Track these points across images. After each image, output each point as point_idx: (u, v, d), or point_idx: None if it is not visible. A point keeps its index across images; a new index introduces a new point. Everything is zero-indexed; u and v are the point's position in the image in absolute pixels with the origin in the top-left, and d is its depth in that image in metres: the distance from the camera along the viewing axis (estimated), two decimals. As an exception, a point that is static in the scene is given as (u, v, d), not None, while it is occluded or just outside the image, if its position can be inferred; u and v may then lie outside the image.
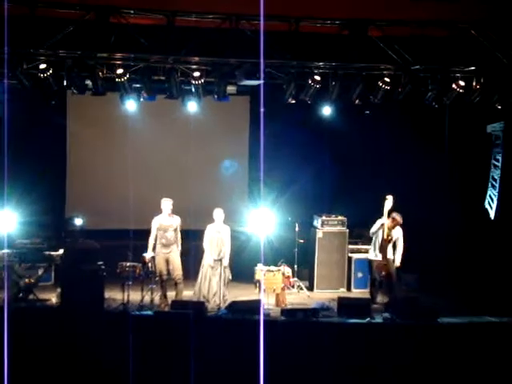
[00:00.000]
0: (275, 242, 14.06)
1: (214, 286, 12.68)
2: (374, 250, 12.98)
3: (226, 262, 12.75)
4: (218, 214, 12.92)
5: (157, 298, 12.56)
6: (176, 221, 12.87)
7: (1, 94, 12.42)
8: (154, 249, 12.74)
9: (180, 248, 12.90)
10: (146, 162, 15.23)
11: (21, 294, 12.14)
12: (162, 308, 12.33)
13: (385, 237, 12.83)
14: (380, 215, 12.97)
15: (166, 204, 12.83)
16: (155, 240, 12.78)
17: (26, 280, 12.32)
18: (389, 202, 12.80)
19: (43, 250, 12.91)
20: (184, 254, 12.97)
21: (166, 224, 12.80)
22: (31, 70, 12.13)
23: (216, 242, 12.84)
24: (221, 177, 15.37)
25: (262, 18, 10.41)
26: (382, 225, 12.80)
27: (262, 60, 11.40)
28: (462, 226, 14.19)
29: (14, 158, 12.24)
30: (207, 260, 12.82)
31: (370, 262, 13.16)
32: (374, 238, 13.03)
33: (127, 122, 14.31)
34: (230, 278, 12.89)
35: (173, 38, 12.04)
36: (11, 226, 12.43)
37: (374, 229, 12.97)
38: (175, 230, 12.83)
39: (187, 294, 13.05)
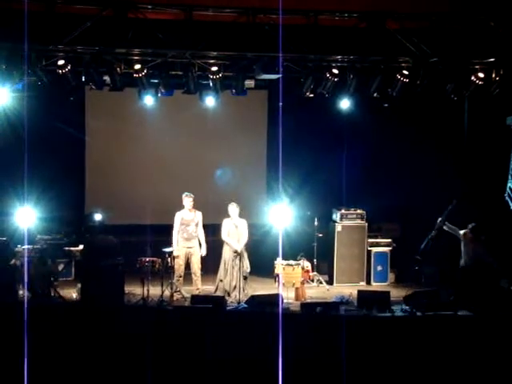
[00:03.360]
0: (294, 236, 14.03)
1: (234, 280, 12.71)
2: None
3: (244, 254, 12.80)
4: (233, 208, 12.94)
5: (175, 292, 12.62)
6: (198, 216, 12.94)
7: (20, 90, 12.48)
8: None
9: (205, 244, 12.96)
10: (165, 156, 15.24)
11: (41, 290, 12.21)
12: (179, 302, 12.39)
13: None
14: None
15: (187, 199, 12.91)
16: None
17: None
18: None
19: (63, 246, 12.98)
20: (207, 253, 13.03)
21: (187, 218, 12.89)
22: (50, 67, 12.19)
23: (233, 236, 12.87)
24: (239, 171, 15.32)
25: (280, 12, 10.39)
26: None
27: (280, 53, 11.38)
28: (482, 219, 14.10)
29: (34, 155, 12.31)
30: (227, 253, 12.84)
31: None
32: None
33: (145, 117, 14.36)
34: (248, 270, 12.88)
35: (190, 32, 12.03)
36: (31, 222, 12.49)
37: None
38: (197, 224, 12.90)
39: (207, 288, 13.10)
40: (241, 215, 13.04)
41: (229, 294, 12.62)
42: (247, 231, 12.96)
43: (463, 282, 12.45)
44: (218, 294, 12.66)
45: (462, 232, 12.57)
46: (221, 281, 12.84)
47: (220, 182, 15.10)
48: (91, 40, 11.86)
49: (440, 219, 12.83)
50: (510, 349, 10.75)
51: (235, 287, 12.65)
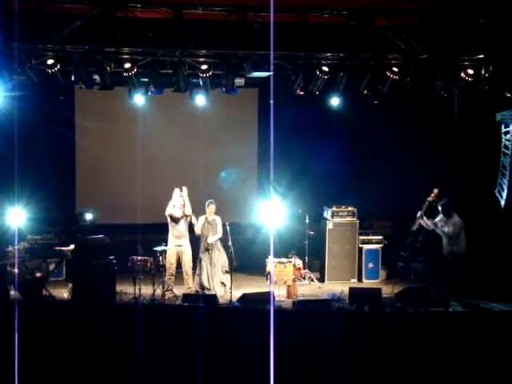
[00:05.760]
0: (285, 234, 14.05)
1: (210, 276, 12.81)
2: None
3: (221, 249, 12.95)
4: (211, 206, 13.05)
5: (167, 291, 12.61)
6: (187, 211, 12.93)
7: (10, 90, 12.43)
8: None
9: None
10: (155, 155, 15.23)
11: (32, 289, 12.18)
12: (171, 301, 12.40)
13: None
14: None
15: (177, 198, 12.92)
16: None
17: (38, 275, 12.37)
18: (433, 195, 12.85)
19: (54, 246, 12.95)
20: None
21: (177, 216, 12.87)
22: (39, 66, 12.14)
23: (208, 232, 12.97)
24: (230, 169, 15.32)
25: (271, 9, 10.39)
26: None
27: (272, 51, 11.38)
28: (472, 215, 14.15)
29: (24, 155, 12.28)
30: (201, 249, 13.01)
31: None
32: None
33: (135, 116, 14.32)
34: (227, 264, 12.90)
35: (180, 31, 12.03)
36: (22, 223, 12.46)
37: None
38: (186, 219, 12.94)
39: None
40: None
41: (203, 289, 12.70)
42: (221, 228, 13.04)
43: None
44: (194, 288, 12.85)
45: (443, 218, 12.47)
46: (197, 275, 12.98)
47: (225, 184, 15.10)
48: (81, 39, 11.84)
49: (419, 213, 12.87)
50: (503, 345, 10.79)
51: (212, 282, 12.84)
